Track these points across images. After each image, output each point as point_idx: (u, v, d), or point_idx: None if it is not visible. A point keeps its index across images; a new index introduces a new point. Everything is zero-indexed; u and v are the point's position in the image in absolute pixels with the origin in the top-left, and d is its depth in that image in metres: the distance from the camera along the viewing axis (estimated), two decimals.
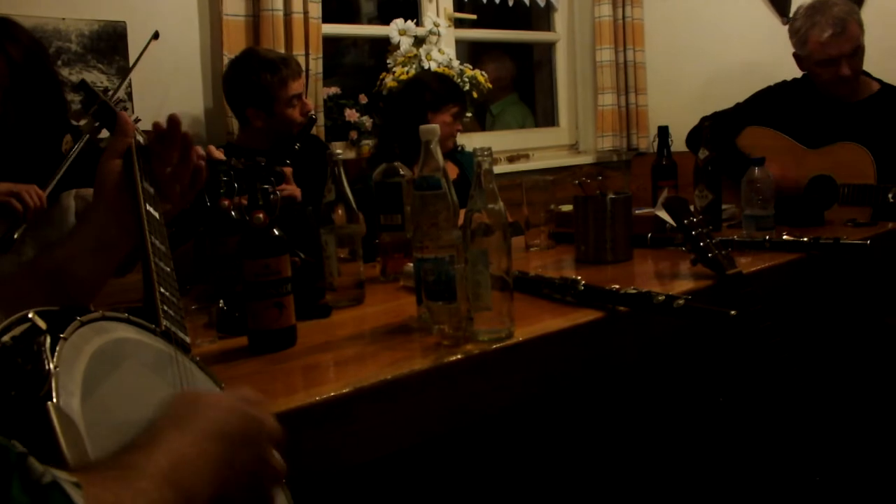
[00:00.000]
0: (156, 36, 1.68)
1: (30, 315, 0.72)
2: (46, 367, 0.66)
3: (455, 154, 2.98)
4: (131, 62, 2.67)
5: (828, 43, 2.76)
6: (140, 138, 1.20)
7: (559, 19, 4.23)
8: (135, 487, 0.60)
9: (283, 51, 2.84)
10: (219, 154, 1.77)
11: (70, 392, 0.66)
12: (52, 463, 0.59)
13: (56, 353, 0.68)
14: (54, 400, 0.64)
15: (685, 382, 2.08)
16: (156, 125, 1.22)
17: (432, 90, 2.83)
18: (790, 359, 1.69)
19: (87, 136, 1.35)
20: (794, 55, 2.92)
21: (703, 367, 2.07)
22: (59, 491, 0.53)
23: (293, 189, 2.09)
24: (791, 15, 2.95)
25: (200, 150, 1.27)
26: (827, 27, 2.75)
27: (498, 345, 1.35)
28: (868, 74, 2.92)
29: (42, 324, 0.71)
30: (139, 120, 1.29)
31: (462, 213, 1.43)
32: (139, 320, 0.86)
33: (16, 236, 1.61)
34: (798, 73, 3.04)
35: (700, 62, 4.03)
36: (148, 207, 1.07)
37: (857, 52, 2.79)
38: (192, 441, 0.69)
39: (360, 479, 1.31)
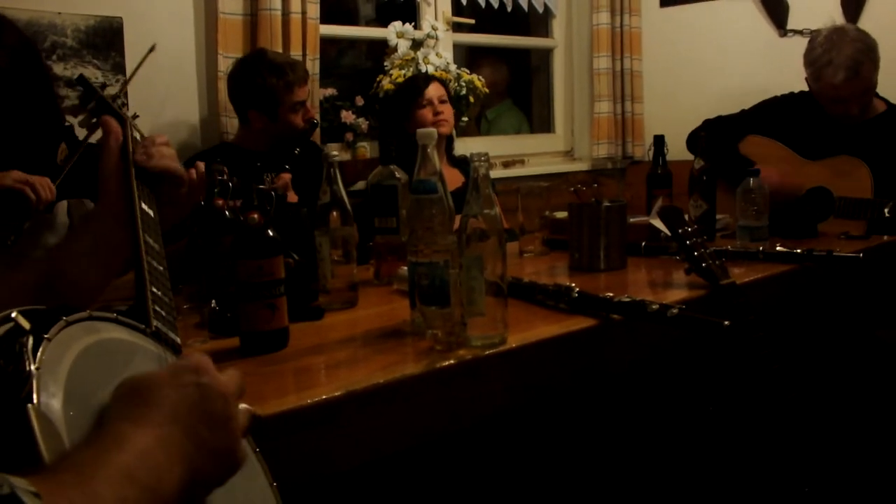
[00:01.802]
0: (152, 49, 1.68)
1: (13, 315, 0.70)
2: (28, 368, 0.64)
3: (463, 164, 3.02)
4: (127, 59, 2.66)
5: (840, 86, 2.75)
6: (137, 135, 1.19)
7: (557, 26, 4.23)
8: (94, 493, 0.58)
9: (280, 51, 2.83)
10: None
11: (52, 394, 0.65)
12: (31, 466, 0.58)
13: (39, 354, 0.66)
14: (34, 402, 0.62)
15: (676, 390, 2.07)
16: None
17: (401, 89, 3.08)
18: (781, 369, 1.69)
19: (85, 140, 1.33)
20: (807, 80, 2.92)
21: (695, 375, 2.07)
22: (17, 502, 0.52)
23: (290, 196, 2.09)
24: (809, 40, 2.92)
25: (201, 167, 1.28)
26: (840, 70, 2.73)
27: (491, 351, 1.34)
28: (875, 94, 2.92)
29: (26, 324, 0.69)
30: (137, 116, 1.28)
31: (458, 217, 1.43)
32: (128, 320, 0.85)
33: (25, 226, 1.60)
34: (800, 86, 3.05)
35: (696, 72, 4.04)
36: (142, 205, 1.06)
37: (868, 91, 2.80)
38: (150, 432, 0.66)
39: (350, 483, 1.30)
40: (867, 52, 2.75)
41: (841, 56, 2.73)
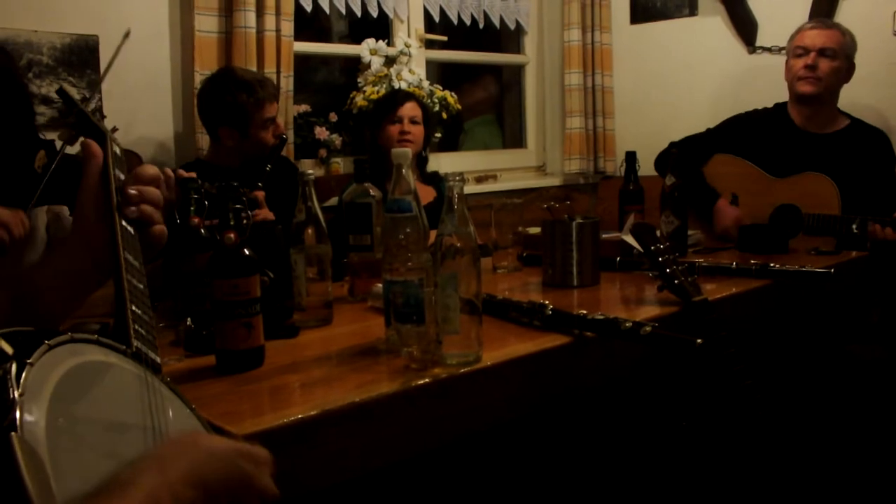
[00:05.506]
0: (127, 34, 1.68)
1: None
2: (11, 395, 0.65)
3: (437, 181, 3.04)
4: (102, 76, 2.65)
5: (805, 32, 2.91)
6: (117, 149, 1.19)
7: (529, 42, 4.27)
8: None
9: (254, 68, 2.84)
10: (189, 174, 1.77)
11: (35, 421, 0.65)
12: (14, 496, 0.58)
13: (22, 380, 0.66)
14: (18, 430, 0.62)
15: (650, 406, 2.09)
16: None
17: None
18: (754, 385, 1.71)
19: (62, 150, 1.32)
20: (786, 63, 3.02)
21: (668, 390, 2.09)
22: None
23: (266, 213, 2.09)
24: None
25: (170, 172, 1.27)
26: (812, 21, 2.98)
27: (466, 369, 1.36)
28: (840, 110, 2.99)
29: (8, 349, 0.69)
30: (116, 129, 1.28)
31: (433, 234, 1.44)
32: (109, 341, 0.85)
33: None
34: (769, 103, 3.10)
35: (666, 88, 4.09)
36: (122, 221, 1.06)
37: (829, 53, 2.88)
38: (167, 484, 0.67)
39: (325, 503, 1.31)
40: (846, 31, 2.93)
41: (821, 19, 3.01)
